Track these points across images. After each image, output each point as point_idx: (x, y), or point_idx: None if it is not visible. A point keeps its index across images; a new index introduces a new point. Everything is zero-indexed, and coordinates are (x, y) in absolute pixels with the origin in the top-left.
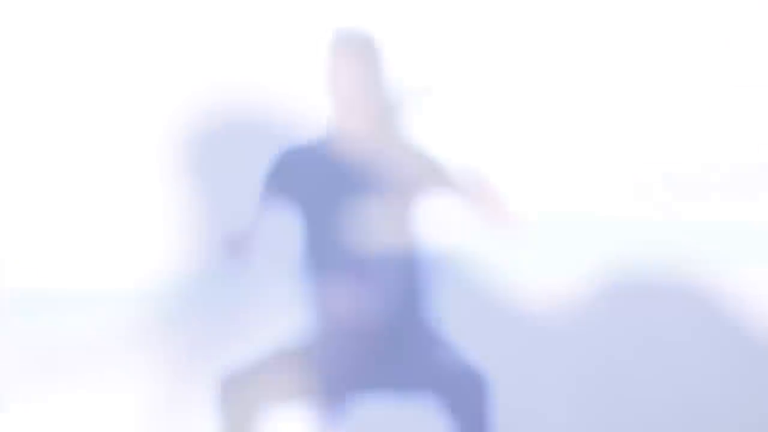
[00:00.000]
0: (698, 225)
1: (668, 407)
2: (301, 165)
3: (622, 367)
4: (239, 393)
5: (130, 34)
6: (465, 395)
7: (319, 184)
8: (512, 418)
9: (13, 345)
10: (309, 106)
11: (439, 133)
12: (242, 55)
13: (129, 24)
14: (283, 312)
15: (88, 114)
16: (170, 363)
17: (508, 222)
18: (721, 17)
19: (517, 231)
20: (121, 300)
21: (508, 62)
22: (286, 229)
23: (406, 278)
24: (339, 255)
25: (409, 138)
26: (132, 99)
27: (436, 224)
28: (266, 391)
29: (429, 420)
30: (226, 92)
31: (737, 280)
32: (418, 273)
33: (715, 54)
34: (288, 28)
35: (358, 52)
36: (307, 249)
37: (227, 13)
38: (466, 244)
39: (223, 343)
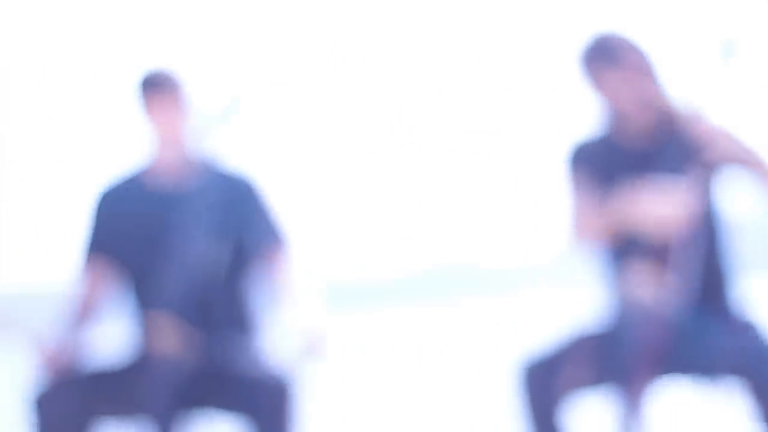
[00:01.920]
0: None
1: None
2: (593, 155)
3: None
4: (543, 380)
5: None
6: None
7: (613, 172)
8: None
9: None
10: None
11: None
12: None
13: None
14: (585, 297)
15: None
16: (471, 351)
17: None
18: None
19: None
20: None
21: None
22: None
23: (710, 259)
24: (639, 239)
25: (692, 114)
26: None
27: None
28: (569, 377)
29: (734, 404)
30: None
31: None
32: (721, 253)
33: None
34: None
35: (628, 59)
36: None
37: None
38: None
39: (524, 328)
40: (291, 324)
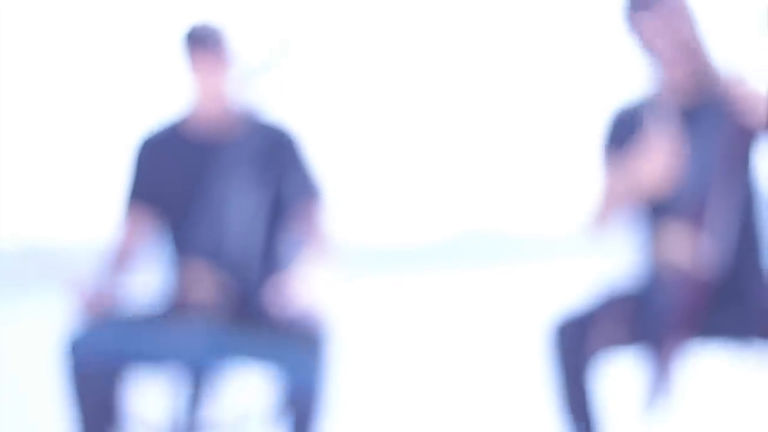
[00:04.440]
0: None
1: None
2: (631, 123)
3: None
4: (574, 339)
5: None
6: None
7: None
8: None
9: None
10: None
11: None
12: None
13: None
14: (615, 258)
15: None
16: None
17: None
18: None
19: None
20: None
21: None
22: None
23: (745, 222)
24: (675, 200)
25: (734, 80)
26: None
27: None
28: (600, 336)
29: (765, 368)
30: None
31: None
32: (758, 218)
33: None
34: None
35: (667, 8)
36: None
37: None
38: None
39: (561, 290)
40: (297, 280)
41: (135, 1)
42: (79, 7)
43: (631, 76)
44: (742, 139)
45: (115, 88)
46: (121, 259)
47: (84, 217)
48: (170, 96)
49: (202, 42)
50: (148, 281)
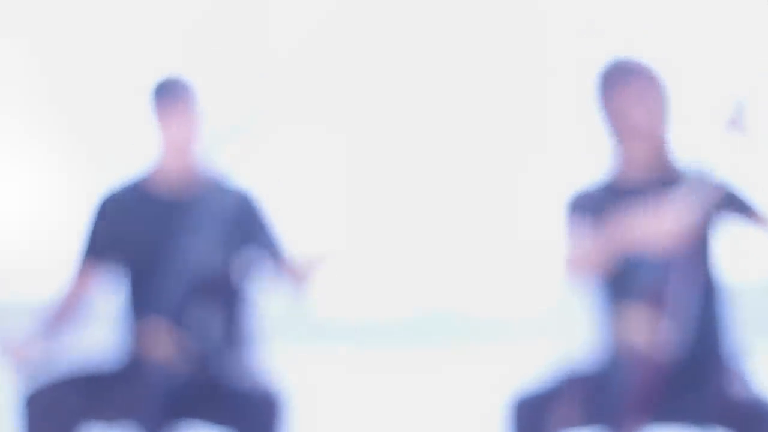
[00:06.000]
0: None
1: None
2: (594, 202)
3: None
4: (532, 418)
5: None
6: None
7: (612, 213)
8: None
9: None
10: None
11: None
12: None
13: None
14: (576, 338)
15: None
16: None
17: None
18: None
19: None
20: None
21: None
22: None
23: (705, 308)
24: (634, 283)
25: (695, 165)
26: None
27: (737, 253)
28: (558, 415)
29: None
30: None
31: None
32: (718, 303)
33: None
34: None
35: (642, 81)
36: (603, 277)
37: None
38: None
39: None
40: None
41: (101, 54)
42: (46, 55)
43: (590, 155)
44: (702, 221)
45: (77, 143)
46: (64, 312)
47: (26, 274)
48: (133, 151)
49: (171, 97)
50: (105, 338)
